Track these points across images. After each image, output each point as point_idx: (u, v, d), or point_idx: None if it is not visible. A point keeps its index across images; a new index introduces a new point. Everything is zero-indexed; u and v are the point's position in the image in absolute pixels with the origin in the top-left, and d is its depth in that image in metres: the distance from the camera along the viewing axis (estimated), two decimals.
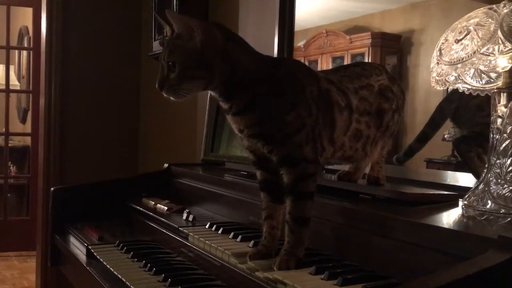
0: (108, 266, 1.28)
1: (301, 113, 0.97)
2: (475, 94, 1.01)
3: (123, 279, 1.18)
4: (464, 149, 1.35)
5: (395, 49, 1.98)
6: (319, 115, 1.00)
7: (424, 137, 1.49)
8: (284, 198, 1.01)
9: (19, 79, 5.42)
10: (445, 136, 1.53)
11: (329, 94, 1.04)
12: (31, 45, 4.67)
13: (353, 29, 2.25)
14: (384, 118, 1.13)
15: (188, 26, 0.95)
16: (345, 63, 2.29)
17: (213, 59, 0.96)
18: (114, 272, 1.23)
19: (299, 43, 2.41)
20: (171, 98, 0.98)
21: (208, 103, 2.12)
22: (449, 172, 1.61)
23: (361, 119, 1.09)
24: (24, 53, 5.34)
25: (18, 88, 5.27)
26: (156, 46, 2.66)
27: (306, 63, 2.41)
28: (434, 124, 1.48)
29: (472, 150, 1.32)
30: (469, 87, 0.99)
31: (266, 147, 0.98)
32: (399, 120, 1.19)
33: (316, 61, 2.47)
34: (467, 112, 1.39)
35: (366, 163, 1.20)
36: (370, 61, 2.07)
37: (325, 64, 2.44)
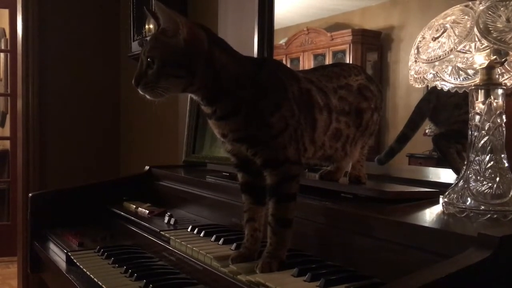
0: (88, 273, 1.26)
1: (285, 114, 0.96)
2: (453, 91, 1.01)
3: (103, 286, 1.16)
4: (443, 145, 1.36)
5: (376, 45, 1.98)
6: (301, 116, 0.99)
7: (404, 137, 1.51)
8: (265, 200, 1.01)
9: None
10: (427, 131, 1.54)
11: (310, 94, 1.03)
12: (8, 47, 4.58)
13: (334, 26, 2.25)
14: (363, 118, 1.13)
15: (174, 22, 0.92)
16: (327, 60, 2.29)
17: (196, 60, 0.93)
18: (94, 279, 1.21)
19: (281, 41, 2.40)
20: (147, 96, 0.94)
21: (188, 104, 2.10)
22: (430, 168, 1.62)
23: (341, 119, 1.08)
24: (2, 55, 5.23)
25: None
26: (135, 47, 2.63)
27: (288, 61, 2.41)
28: (413, 124, 1.50)
29: (451, 147, 1.33)
30: (447, 84, 0.99)
31: (250, 150, 0.97)
32: (378, 120, 1.19)
33: (298, 59, 2.47)
34: (445, 111, 1.40)
35: (346, 163, 1.20)
36: (351, 57, 2.07)
37: (307, 61, 2.43)
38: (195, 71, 0.93)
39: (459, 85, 0.99)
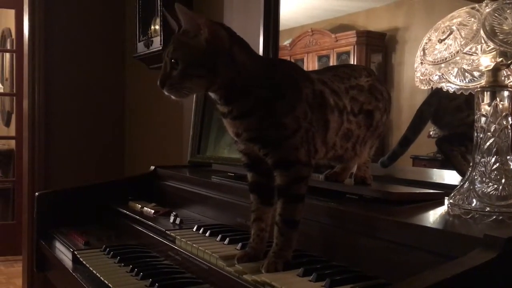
0: (95, 272, 1.26)
1: (298, 115, 0.97)
2: (458, 93, 1.01)
3: (109, 284, 1.17)
4: (447, 149, 1.37)
5: (380, 47, 1.99)
6: (313, 117, 1.00)
7: (406, 141, 1.52)
8: (273, 200, 1.01)
9: (2, 82, 5.35)
10: (431, 133, 1.54)
11: (323, 95, 1.04)
12: (14, 47, 4.60)
13: (338, 28, 2.25)
14: (374, 118, 1.14)
15: (195, 23, 0.93)
16: (331, 61, 2.29)
17: (217, 60, 0.94)
18: (101, 277, 1.22)
19: (285, 42, 2.41)
20: (172, 96, 0.96)
21: (194, 104, 2.11)
22: (435, 169, 1.62)
23: (352, 119, 1.09)
24: (7, 55, 5.26)
25: (2, 90, 5.19)
26: (141, 47, 2.64)
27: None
28: (415, 128, 1.51)
29: (455, 149, 1.34)
30: (453, 86, 1.00)
31: (263, 150, 0.98)
32: (386, 121, 1.19)
33: (302, 60, 2.47)
34: (447, 114, 1.41)
35: (354, 163, 1.20)
36: (355, 59, 2.08)
37: (311, 62, 2.44)
38: (217, 70, 0.94)
39: (465, 87, 1.00)
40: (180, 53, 0.93)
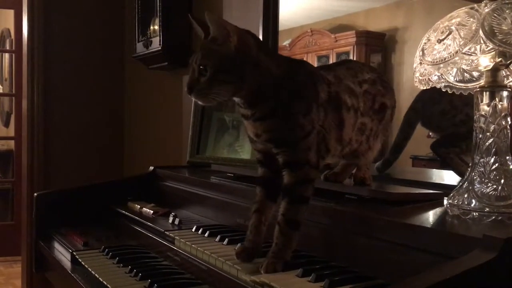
0: (93, 272, 1.26)
1: (313, 117, 1.00)
2: (458, 93, 1.01)
3: (108, 285, 1.16)
4: (442, 152, 1.38)
5: (380, 47, 1.98)
6: (326, 119, 1.03)
7: (398, 148, 1.54)
8: (278, 198, 1.02)
9: (1, 82, 5.34)
10: (430, 134, 1.54)
11: (338, 96, 1.07)
12: (13, 48, 4.60)
13: (338, 28, 2.25)
14: (386, 112, 1.17)
15: (225, 30, 0.96)
16: (330, 61, 2.29)
17: (245, 66, 0.97)
18: (99, 278, 1.21)
19: (284, 42, 2.41)
20: (199, 102, 0.99)
21: (193, 105, 2.11)
22: (434, 170, 1.62)
23: (365, 112, 1.12)
24: (6, 55, 5.26)
25: (1, 91, 5.19)
26: (140, 48, 2.63)
27: None
28: (404, 134, 1.52)
29: (450, 152, 1.35)
30: (452, 86, 1.00)
31: (276, 149, 1.00)
32: (393, 116, 1.22)
33: None
34: (433, 119, 1.43)
35: (366, 158, 1.19)
36: (355, 59, 2.08)
37: (310, 63, 2.44)
38: (244, 76, 0.97)
39: (464, 87, 1.00)
40: (209, 60, 0.96)
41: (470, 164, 0.96)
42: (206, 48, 0.98)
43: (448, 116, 1.34)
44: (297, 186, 0.98)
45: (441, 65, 0.91)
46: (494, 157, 0.92)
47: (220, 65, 0.95)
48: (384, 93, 1.16)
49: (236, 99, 1.01)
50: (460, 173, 1.31)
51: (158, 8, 2.46)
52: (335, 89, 1.06)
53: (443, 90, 1.03)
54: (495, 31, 0.87)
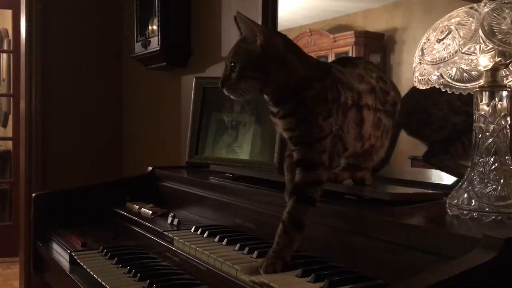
0: (92, 273, 1.26)
1: (332, 121, 1.03)
2: (457, 93, 1.01)
3: (107, 286, 1.16)
4: (435, 162, 1.39)
5: (378, 47, 1.98)
6: (345, 121, 1.06)
7: (386, 156, 1.53)
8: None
9: None
10: None
11: (360, 97, 1.10)
12: (11, 48, 4.59)
13: (337, 28, 2.25)
14: (396, 109, 1.20)
15: (252, 29, 1.01)
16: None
17: (270, 64, 1.02)
18: (98, 279, 1.21)
19: None
20: (231, 96, 1.04)
21: (192, 105, 2.10)
22: (433, 170, 1.62)
23: (381, 108, 1.15)
24: (4, 56, 5.24)
25: None
26: (138, 48, 2.63)
27: None
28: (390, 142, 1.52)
29: (442, 160, 1.36)
30: (451, 86, 1.00)
31: (293, 147, 1.04)
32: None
33: None
34: (414, 129, 1.44)
35: (378, 155, 1.21)
36: None
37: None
38: (270, 74, 1.02)
39: (463, 87, 1.00)
40: (238, 57, 1.02)
41: (469, 165, 0.96)
42: (237, 46, 1.04)
43: (426, 124, 1.36)
44: (307, 186, 1.00)
45: (441, 65, 0.91)
46: (493, 157, 0.92)
47: (248, 62, 1.01)
48: (396, 91, 1.20)
49: (265, 96, 1.05)
50: (459, 175, 1.31)
51: (156, 8, 2.46)
52: (358, 93, 1.10)
53: (442, 90, 1.02)
54: (495, 30, 0.87)
